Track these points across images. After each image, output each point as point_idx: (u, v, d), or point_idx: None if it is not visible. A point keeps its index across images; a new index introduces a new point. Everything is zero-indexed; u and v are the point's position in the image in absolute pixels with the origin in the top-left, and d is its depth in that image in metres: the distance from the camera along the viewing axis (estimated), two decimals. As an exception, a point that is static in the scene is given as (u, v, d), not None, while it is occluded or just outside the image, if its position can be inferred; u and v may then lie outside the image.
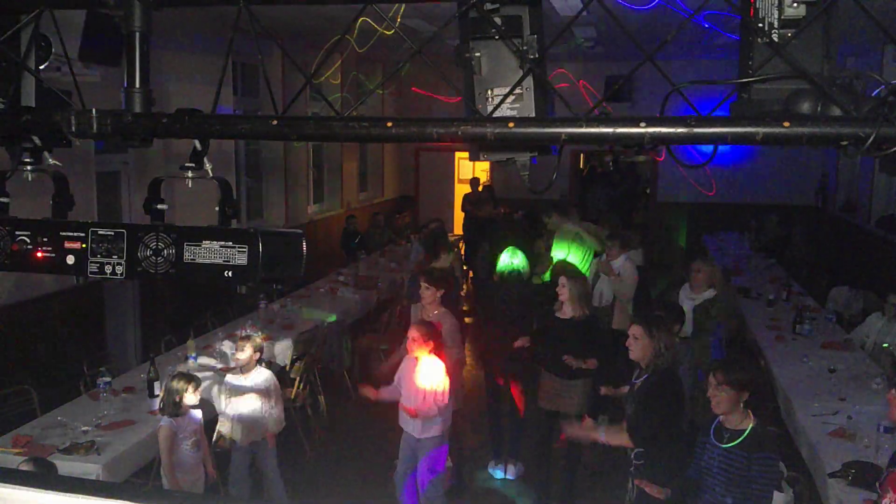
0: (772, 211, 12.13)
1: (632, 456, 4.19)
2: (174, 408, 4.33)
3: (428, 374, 4.76)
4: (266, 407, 4.92)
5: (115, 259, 1.45)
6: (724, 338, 6.13)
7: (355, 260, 9.81)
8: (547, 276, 7.47)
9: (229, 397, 4.93)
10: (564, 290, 5.24)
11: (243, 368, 4.89)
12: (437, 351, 4.83)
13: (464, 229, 12.70)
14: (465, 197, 13.10)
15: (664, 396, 4.03)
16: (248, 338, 4.97)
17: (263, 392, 4.92)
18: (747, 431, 3.49)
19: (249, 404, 4.90)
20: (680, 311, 5.39)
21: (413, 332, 4.81)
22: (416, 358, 4.81)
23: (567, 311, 5.27)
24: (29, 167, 1.58)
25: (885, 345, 5.88)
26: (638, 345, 4.12)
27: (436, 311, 5.46)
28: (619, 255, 6.94)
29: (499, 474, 6.07)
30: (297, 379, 6.26)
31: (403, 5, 5.25)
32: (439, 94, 10.89)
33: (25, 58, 1.56)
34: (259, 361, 4.99)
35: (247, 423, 4.89)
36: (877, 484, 3.48)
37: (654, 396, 4.03)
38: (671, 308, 5.36)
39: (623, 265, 6.90)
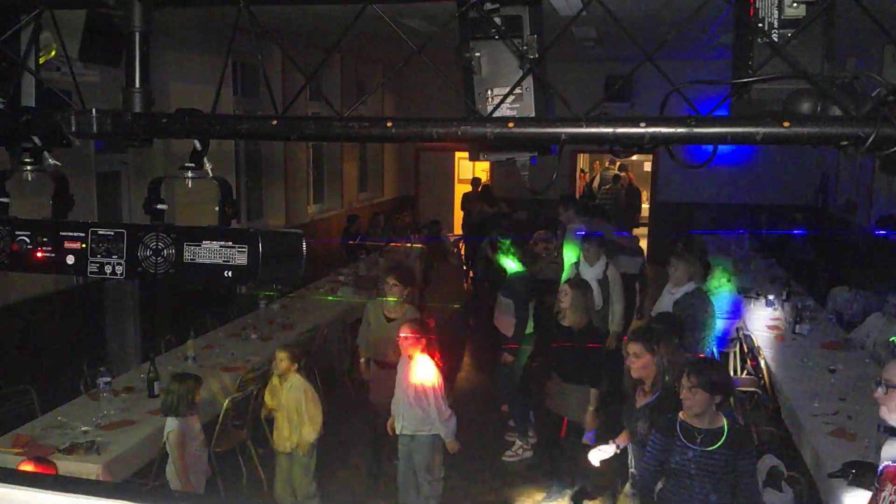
0: (771, 211, 12.13)
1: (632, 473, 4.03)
2: (187, 406, 4.33)
3: (422, 373, 4.77)
4: (295, 417, 4.83)
5: (115, 259, 1.45)
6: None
7: (355, 260, 9.80)
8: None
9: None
10: (566, 298, 5.24)
11: (282, 377, 4.84)
12: (430, 349, 4.82)
13: (463, 229, 12.73)
14: (464, 196, 13.12)
15: None
16: (286, 347, 4.95)
17: (294, 401, 4.83)
18: (726, 431, 3.40)
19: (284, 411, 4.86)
20: (675, 321, 4.98)
21: (405, 330, 4.80)
22: (410, 356, 4.81)
23: (567, 318, 5.25)
24: (29, 167, 1.57)
25: (893, 338, 5.82)
26: (639, 362, 3.88)
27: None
28: (597, 260, 6.52)
29: None
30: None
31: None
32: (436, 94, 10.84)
33: (25, 58, 1.55)
34: (298, 370, 4.89)
35: (281, 430, 4.89)
36: (875, 481, 3.47)
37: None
38: (665, 319, 5.00)
39: (607, 271, 6.51)
